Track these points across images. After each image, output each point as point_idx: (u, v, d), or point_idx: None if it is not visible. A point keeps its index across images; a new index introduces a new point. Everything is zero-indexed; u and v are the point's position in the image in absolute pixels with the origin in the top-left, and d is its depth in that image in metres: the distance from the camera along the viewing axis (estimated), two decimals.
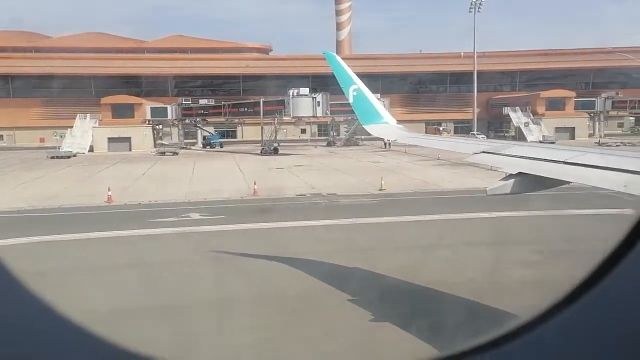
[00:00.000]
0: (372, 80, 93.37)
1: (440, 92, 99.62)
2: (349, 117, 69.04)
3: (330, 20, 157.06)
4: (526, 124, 73.27)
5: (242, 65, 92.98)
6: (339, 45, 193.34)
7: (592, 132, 79.79)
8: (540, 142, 66.93)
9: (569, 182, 6.01)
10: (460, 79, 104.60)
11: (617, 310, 1.39)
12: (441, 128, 76.54)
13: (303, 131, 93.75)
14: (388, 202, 25.36)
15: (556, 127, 72.99)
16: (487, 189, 6.65)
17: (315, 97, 57.44)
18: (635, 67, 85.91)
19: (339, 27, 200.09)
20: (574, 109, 78.93)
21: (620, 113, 79.23)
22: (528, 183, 6.24)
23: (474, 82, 79.72)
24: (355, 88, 11.52)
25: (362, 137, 65.43)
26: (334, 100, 56.05)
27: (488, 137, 74.72)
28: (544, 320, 1.42)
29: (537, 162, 6.36)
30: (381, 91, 68.31)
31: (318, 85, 64.50)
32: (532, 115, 75.98)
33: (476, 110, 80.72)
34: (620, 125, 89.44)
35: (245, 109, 66.81)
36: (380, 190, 27.36)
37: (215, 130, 78.30)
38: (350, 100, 11.69)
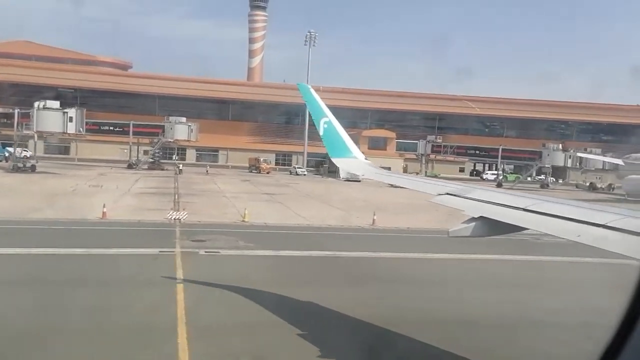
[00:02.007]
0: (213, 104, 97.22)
1: (294, 124, 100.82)
2: (155, 139, 67.98)
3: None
4: None
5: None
6: (250, 72, 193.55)
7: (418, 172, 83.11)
8: (347, 180, 68.58)
9: (527, 229, 6.13)
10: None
11: None
12: (262, 159, 76.27)
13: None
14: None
15: None
16: (449, 230, 6.74)
17: (67, 112, 54.92)
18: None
19: (251, 54, 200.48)
20: (397, 150, 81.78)
21: (438, 157, 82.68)
22: (489, 227, 6.37)
23: (306, 115, 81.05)
24: (327, 121, 11.48)
25: (179, 162, 64.56)
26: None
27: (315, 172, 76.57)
28: None
29: (498, 207, 6.51)
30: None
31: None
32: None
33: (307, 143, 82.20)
34: (462, 170, 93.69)
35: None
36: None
37: None
38: (321, 133, 11.58)
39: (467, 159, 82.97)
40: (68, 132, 56.10)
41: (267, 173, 73.50)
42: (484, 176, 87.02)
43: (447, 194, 7.86)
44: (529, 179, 75.02)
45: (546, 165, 69.95)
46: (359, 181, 68.52)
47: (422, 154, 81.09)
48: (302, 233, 25.33)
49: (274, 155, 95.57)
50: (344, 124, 12.08)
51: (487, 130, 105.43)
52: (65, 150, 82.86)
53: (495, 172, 71.14)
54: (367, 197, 41.64)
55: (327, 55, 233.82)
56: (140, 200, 35.06)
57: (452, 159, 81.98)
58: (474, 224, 6.52)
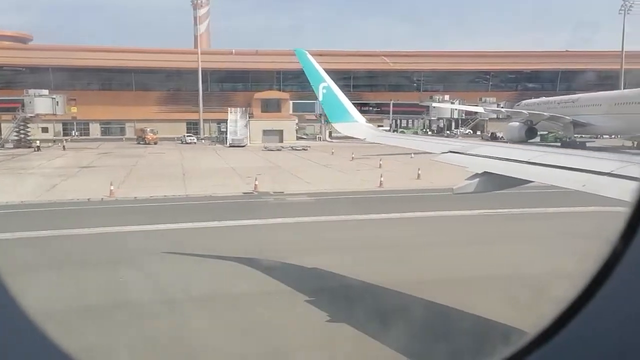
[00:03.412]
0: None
1: (204, 90, 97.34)
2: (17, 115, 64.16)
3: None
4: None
5: None
6: (196, 40, 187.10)
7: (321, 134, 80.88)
8: (232, 145, 66.34)
9: (531, 182, 6.07)
10: (228, 77, 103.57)
11: (624, 312, 1.43)
12: (148, 130, 73.32)
13: (45, 130, 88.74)
14: None
15: (264, 130, 72.33)
16: (453, 187, 6.69)
17: (55, 97, 61.59)
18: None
19: (197, 21, 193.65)
20: (294, 111, 79.03)
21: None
22: (492, 182, 6.32)
23: (199, 81, 78.13)
24: (325, 86, 11.44)
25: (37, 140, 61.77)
26: None
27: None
28: (550, 335, 1.45)
29: (501, 161, 6.46)
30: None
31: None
32: (248, 117, 74.92)
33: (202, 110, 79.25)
34: (380, 125, 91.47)
35: None
36: None
37: None
38: (320, 98, 11.62)
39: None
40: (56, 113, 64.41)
41: (155, 143, 70.79)
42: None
43: (450, 151, 7.69)
44: (429, 132, 73.37)
45: (432, 118, 68.20)
46: (243, 146, 66.52)
47: (320, 114, 78.44)
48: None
49: (185, 124, 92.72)
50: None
51: (413, 85, 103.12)
52: None
53: (388, 127, 69.06)
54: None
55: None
56: None
57: None
58: (477, 180, 6.36)
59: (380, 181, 28.87)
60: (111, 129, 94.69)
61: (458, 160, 7.28)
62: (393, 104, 69.37)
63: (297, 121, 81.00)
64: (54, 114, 64.20)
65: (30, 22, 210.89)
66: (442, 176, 32.16)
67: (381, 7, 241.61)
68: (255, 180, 28.13)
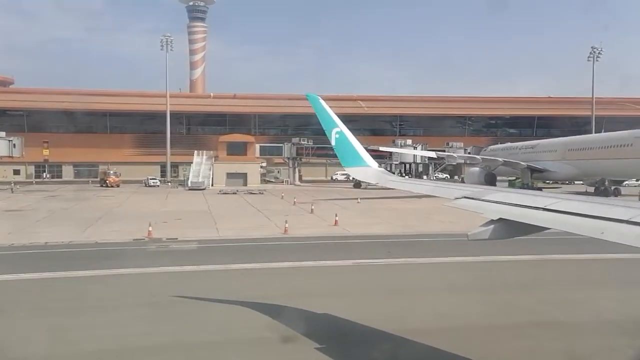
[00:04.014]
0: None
1: (174, 133, 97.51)
2: None
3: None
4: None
5: None
6: (192, 85, 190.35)
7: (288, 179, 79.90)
8: (191, 189, 65.31)
9: (547, 228, 5.99)
10: (206, 120, 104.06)
11: None
12: (112, 172, 72.57)
13: (17, 172, 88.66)
14: None
15: (228, 173, 71.44)
16: (468, 233, 6.58)
17: (12, 140, 61.96)
18: None
19: (192, 66, 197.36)
20: (262, 155, 78.36)
21: (306, 159, 79.63)
22: (508, 229, 6.30)
23: (167, 124, 77.92)
24: (338, 131, 11.47)
25: None
26: None
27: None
28: None
29: (517, 208, 6.49)
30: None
31: None
32: (213, 159, 74.24)
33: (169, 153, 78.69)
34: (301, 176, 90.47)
35: None
36: None
37: None
38: (333, 143, 11.59)
39: (326, 160, 79.57)
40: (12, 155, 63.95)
41: (117, 186, 69.89)
42: (334, 176, 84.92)
43: (465, 197, 7.72)
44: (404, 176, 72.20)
45: (394, 162, 67.36)
46: (203, 189, 65.43)
47: (288, 157, 77.81)
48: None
49: (159, 166, 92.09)
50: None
51: (390, 129, 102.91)
52: None
53: (345, 172, 67.88)
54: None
55: None
56: None
57: (315, 160, 78.89)
58: (492, 226, 6.31)
59: (285, 227, 27.42)
60: (84, 171, 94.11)
61: (473, 206, 7.23)
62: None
63: (265, 164, 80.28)
64: (10, 157, 63.35)
65: (17, 66, 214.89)
66: (364, 223, 31.29)
67: (370, 53, 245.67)
68: (150, 226, 26.73)
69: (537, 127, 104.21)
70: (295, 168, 78.73)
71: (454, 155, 65.52)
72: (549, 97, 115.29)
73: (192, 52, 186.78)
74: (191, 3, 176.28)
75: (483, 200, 7.33)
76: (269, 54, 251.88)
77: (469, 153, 69.20)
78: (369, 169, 11.57)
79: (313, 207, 37.69)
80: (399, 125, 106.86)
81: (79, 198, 51.60)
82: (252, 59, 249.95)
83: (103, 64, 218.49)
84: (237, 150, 73.77)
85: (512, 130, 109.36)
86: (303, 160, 79.10)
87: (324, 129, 11.91)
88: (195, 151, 76.10)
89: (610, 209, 5.49)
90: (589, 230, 5.29)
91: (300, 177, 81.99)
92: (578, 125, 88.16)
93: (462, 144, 73.10)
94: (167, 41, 75.59)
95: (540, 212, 6.11)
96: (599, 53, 78.72)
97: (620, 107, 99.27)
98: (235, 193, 58.28)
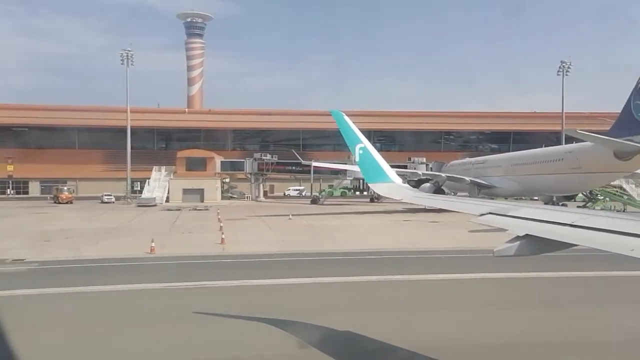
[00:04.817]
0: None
1: (148, 148, 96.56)
2: None
3: None
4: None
5: None
6: (190, 100, 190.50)
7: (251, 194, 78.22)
8: (140, 205, 63.77)
9: (575, 245, 5.80)
10: (180, 136, 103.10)
11: None
12: (65, 188, 71.44)
13: None
14: None
15: (184, 189, 69.92)
16: (494, 250, 6.35)
17: None
18: None
19: (190, 82, 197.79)
20: (223, 170, 76.87)
21: (267, 175, 78.11)
22: (534, 245, 6.14)
23: (127, 138, 76.72)
24: (362, 147, 11.58)
25: None
26: None
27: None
28: None
29: (543, 224, 6.37)
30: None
31: None
32: (172, 175, 72.86)
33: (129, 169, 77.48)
34: (331, 186, 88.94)
35: None
36: None
37: None
38: (357, 159, 11.81)
39: (288, 175, 78.07)
40: None
41: (70, 202, 68.63)
42: (287, 192, 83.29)
43: (490, 213, 7.53)
44: (357, 193, 70.50)
45: (347, 179, 65.63)
46: (153, 205, 63.86)
47: (250, 173, 76.24)
48: None
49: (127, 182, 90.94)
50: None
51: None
52: None
53: (298, 188, 66.23)
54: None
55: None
56: None
57: (275, 175, 77.35)
58: (518, 242, 6.04)
59: (151, 247, 25.59)
60: (51, 188, 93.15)
61: (499, 222, 7.07)
62: (314, 165, 66.96)
63: (228, 180, 78.78)
64: None
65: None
66: (255, 241, 29.33)
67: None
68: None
69: (513, 142, 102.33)
70: (258, 184, 77.09)
71: (418, 172, 63.89)
72: (535, 112, 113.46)
73: (189, 68, 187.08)
74: (189, 19, 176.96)
75: (509, 216, 7.25)
76: (272, 69, 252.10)
77: (431, 169, 67.38)
78: (393, 185, 11.69)
79: (222, 225, 35.85)
80: (379, 140, 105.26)
81: (10, 215, 50.11)
82: (255, 74, 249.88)
83: (101, 80, 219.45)
84: (197, 165, 72.34)
85: (494, 145, 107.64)
86: (265, 176, 77.53)
87: (348, 145, 12.00)
88: (155, 167, 74.76)
89: None
90: (618, 247, 5.14)
91: (265, 192, 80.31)
92: (558, 141, 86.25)
93: (424, 159, 71.23)
94: (127, 55, 74.62)
95: (568, 228, 5.98)
96: (568, 67, 76.86)
97: (600, 121, 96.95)
98: (179, 210, 56.62)
